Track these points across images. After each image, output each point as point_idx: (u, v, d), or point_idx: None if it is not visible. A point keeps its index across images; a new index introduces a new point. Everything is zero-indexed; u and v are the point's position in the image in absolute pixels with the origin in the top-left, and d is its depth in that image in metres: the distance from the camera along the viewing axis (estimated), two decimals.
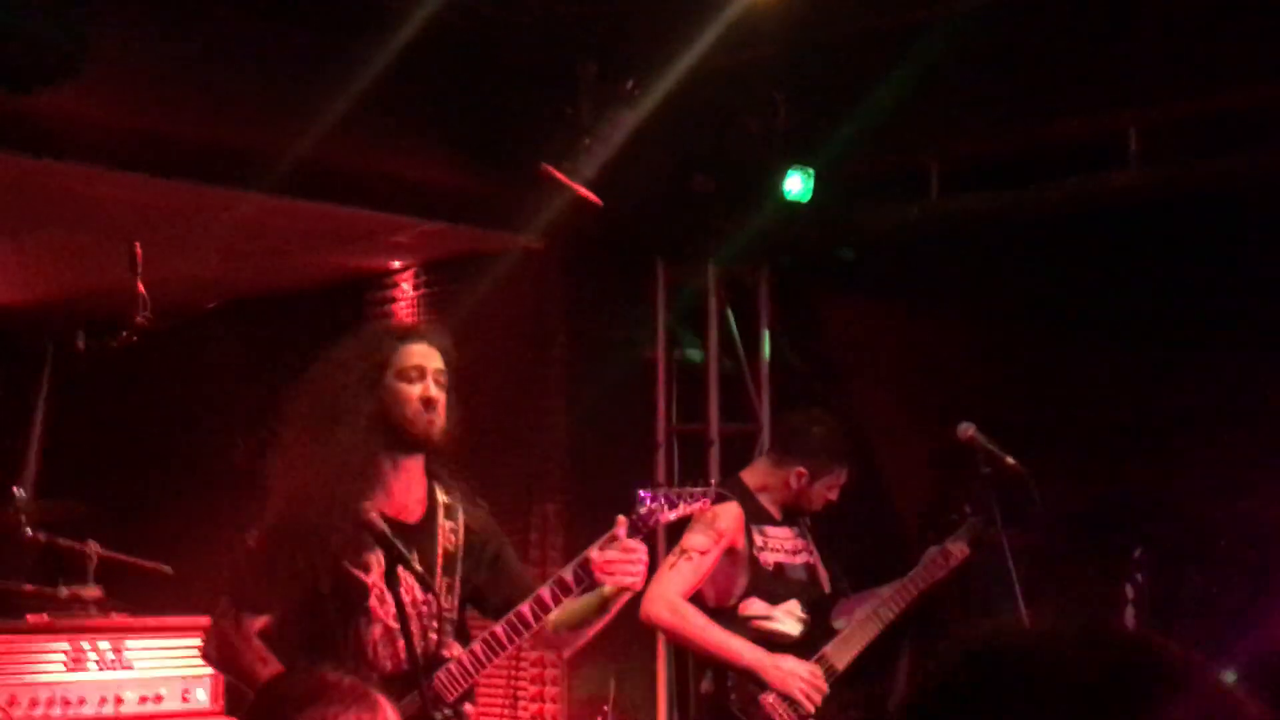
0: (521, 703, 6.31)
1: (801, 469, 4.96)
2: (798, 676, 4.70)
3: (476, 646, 3.53)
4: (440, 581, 3.61)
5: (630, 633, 6.22)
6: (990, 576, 5.00)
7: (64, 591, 5.39)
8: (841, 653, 4.84)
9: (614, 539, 3.49)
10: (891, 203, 5.96)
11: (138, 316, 6.03)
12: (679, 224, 6.20)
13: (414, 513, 3.66)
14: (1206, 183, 5.30)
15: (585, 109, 5.65)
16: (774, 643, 4.79)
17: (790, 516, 5.03)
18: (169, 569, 5.67)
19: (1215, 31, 5.00)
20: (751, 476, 5.06)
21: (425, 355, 3.63)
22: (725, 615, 4.82)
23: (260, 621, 3.56)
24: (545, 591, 3.49)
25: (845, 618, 4.94)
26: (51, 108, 4.63)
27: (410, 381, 3.57)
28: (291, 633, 3.55)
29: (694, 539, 4.80)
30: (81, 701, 4.90)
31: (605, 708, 6.18)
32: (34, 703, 4.80)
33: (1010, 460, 4.84)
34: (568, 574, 3.48)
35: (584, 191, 5.71)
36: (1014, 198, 5.68)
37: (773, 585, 4.88)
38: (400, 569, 3.39)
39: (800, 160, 5.79)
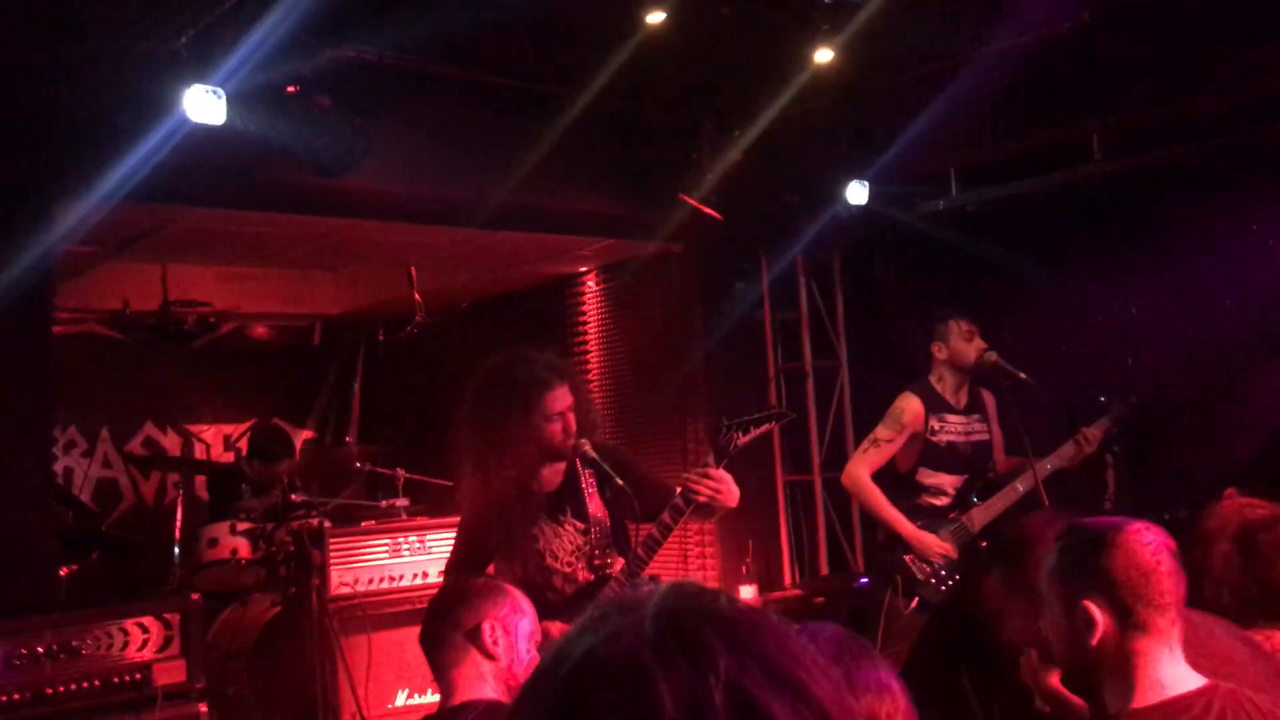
0: (690, 559, 6.23)
1: (936, 342, 4.68)
2: (930, 548, 4.48)
3: (633, 556, 3.20)
4: (594, 514, 3.32)
5: (762, 513, 6.13)
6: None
7: (383, 503, 5.44)
8: (983, 516, 4.57)
9: (705, 465, 3.14)
10: (920, 202, 5.70)
11: (416, 316, 6.06)
12: (775, 226, 6.02)
13: (555, 481, 3.37)
14: None
15: (705, 152, 5.50)
16: (932, 510, 4.59)
17: (972, 404, 4.70)
18: (450, 483, 5.67)
19: None
20: (932, 374, 4.72)
21: (562, 397, 3.25)
22: (908, 480, 4.61)
23: None
24: (666, 515, 3.14)
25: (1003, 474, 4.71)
26: (350, 185, 4.61)
27: (553, 422, 3.23)
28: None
29: (882, 429, 4.61)
30: (400, 577, 4.94)
31: (747, 559, 6.08)
32: (370, 579, 4.85)
33: (1023, 375, 4.58)
34: (678, 499, 3.14)
35: (707, 209, 5.57)
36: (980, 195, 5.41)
37: (940, 458, 4.62)
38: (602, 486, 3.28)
39: (858, 174, 5.56)
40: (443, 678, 2.48)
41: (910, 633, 4.47)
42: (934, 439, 4.62)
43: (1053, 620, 2.05)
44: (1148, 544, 1.96)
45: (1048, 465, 4.52)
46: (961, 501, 4.65)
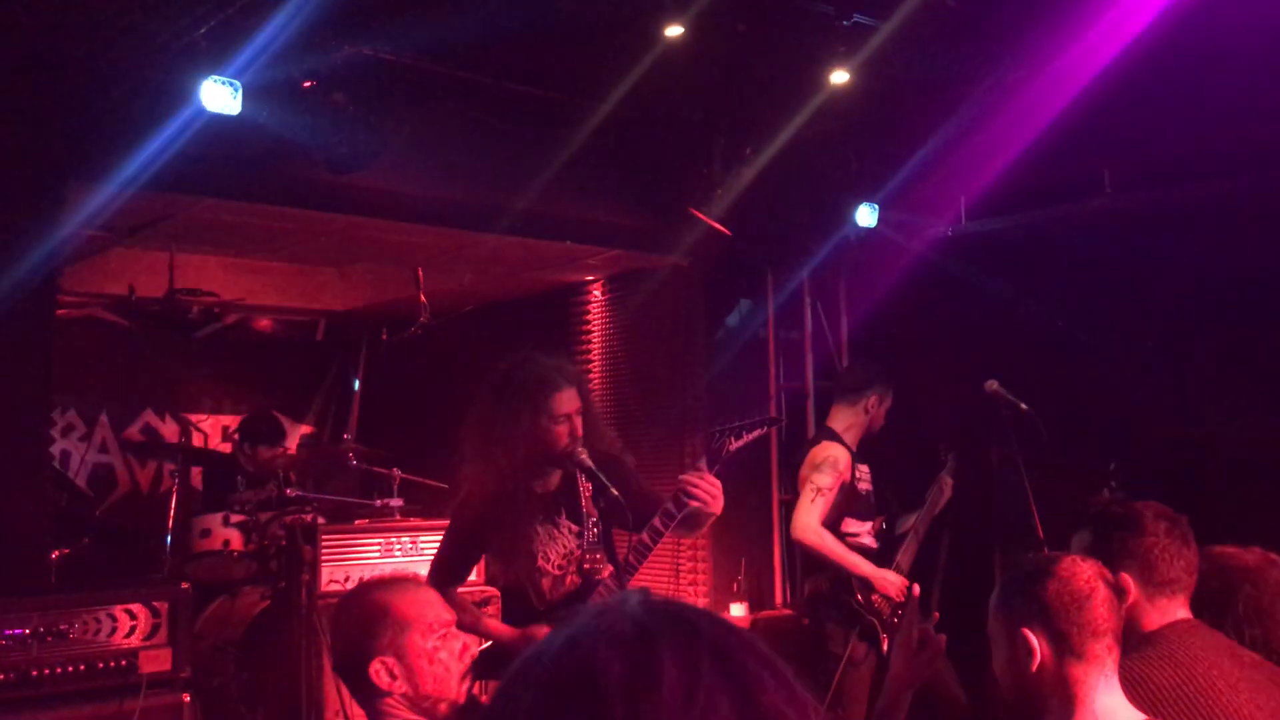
0: (682, 574, 6.21)
1: (874, 395, 4.68)
2: (896, 585, 4.52)
3: (624, 563, 3.21)
4: (589, 519, 3.32)
5: (756, 530, 6.12)
6: (1009, 487, 4.70)
7: (378, 502, 5.43)
8: (906, 558, 4.68)
9: (700, 469, 3.11)
10: (930, 228, 5.71)
11: (421, 317, 6.06)
12: (782, 245, 6.02)
13: (553, 485, 3.38)
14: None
15: (717, 168, 5.52)
16: (863, 553, 4.59)
17: (862, 452, 4.74)
18: (445, 486, 5.67)
19: None
20: (837, 424, 4.72)
21: (570, 399, 3.25)
22: (834, 533, 4.56)
23: (458, 587, 3.45)
24: (658, 520, 3.13)
25: (903, 526, 4.80)
26: (361, 183, 4.62)
27: (560, 424, 3.23)
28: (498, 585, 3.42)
29: (822, 480, 4.54)
30: None
31: (739, 578, 6.07)
32: (360, 578, 4.79)
33: (1024, 406, 4.57)
34: (670, 504, 3.11)
35: (717, 225, 5.58)
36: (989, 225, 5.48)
37: (863, 508, 4.65)
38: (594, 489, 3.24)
39: (867, 198, 5.57)
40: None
41: (866, 683, 4.44)
42: (859, 486, 4.65)
43: (997, 652, 2.11)
44: (1082, 573, 2.04)
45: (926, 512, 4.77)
46: (885, 546, 4.71)
